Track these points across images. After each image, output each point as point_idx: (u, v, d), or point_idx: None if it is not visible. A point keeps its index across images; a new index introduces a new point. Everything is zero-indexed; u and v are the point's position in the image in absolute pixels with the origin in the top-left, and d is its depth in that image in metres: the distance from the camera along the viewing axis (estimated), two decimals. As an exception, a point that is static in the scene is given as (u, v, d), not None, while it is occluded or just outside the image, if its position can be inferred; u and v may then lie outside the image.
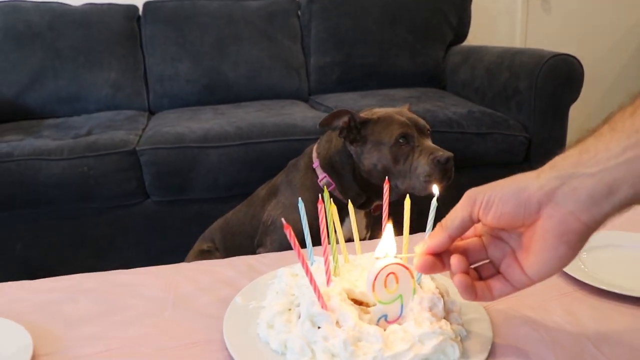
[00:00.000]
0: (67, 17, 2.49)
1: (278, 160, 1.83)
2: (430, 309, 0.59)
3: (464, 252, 0.58)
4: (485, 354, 0.59)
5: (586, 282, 0.73)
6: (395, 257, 0.58)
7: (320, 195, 0.64)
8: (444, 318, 0.60)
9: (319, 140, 1.56)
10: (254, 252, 1.53)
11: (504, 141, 2.10)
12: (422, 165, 1.35)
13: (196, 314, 0.69)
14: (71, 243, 1.97)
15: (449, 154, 1.34)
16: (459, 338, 0.60)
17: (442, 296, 0.62)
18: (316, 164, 1.49)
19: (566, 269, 0.75)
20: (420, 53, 2.77)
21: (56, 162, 1.84)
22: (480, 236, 0.59)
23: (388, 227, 0.60)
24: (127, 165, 1.90)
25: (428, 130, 1.44)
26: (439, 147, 1.38)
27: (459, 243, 0.59)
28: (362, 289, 0.62)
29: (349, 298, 0.61)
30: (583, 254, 0.82)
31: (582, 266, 0.79)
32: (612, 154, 0.48)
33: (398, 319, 0.60)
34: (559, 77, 2.10)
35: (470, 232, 0.59)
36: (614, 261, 0.82)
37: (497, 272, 0.57)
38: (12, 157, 1.82)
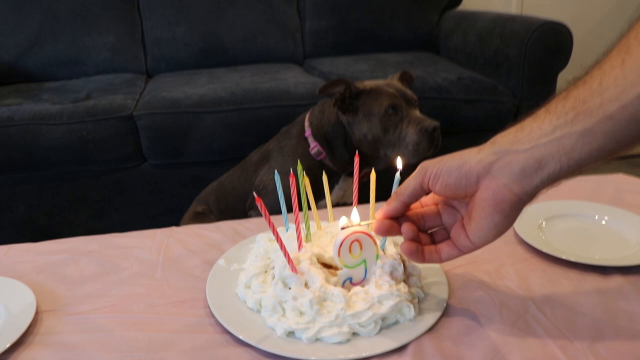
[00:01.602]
0: (64, -21, 2.49)
1: (271, 125, 1.88)
2: (391, 273, 0.66)
3: (422, 218, 0.64)
4: (439, 314, 0.65)
5: (541, 249, 0.79)
6: (360, 224, 0.64)
7: (291, 169, 0.70)
8: (404, 281, 0.67)
9: (311, 110, 1.61)
10: (246, 214, 1.60)
11: (492, 108, 2.13)
12: (410, 134, 1.41)
13: (184, 275, 0.76)
14: (71, 204, 2.03)
15: (436, 123, 1.40)
16: (416, 299, 0.67)
17: (403, 262, 0.69)
18: (308, 132, 1.55)
19: (523, 237, 0.82)
20: (414, 17, 2.78)
21: (56, 126, 1.88)
22: (436, 204, 0.65)
23: (354, 210, 0.66)
24: (125, 130, 1.94)
25: (415, 100, 1.50)
26: (426, 117, 1.44)
27: (418, 210, 0.65)
28: (331, 254, 0.68)
29: (319, 262, 0.68)
30: (543, 223, 0.89)
31: (540, 234, 0.85)
32: (543, 132, 0.53)
33: (362, 282, 0.66)
34: (548, 45, 2.11)
35: (429, 200, 0.66)
36: (570, 230, 0.88)
37: (448, 237, 0.63)
38: (13, 122, 1.86)
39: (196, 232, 0.89)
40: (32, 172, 1.95)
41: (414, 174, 0.61)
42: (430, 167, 0.59)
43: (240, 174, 1.66)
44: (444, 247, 0.63)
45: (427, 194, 0.62)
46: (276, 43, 2.67)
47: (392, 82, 1.55)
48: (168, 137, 1.95)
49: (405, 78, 1.61)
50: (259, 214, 1.03)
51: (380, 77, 2.18)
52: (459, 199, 0.62)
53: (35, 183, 1.98)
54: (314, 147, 1.53)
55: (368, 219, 0.66)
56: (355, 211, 0.65)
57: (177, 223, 1.57)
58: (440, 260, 0.63)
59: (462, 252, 0.62)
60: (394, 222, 0.63)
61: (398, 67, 2.34)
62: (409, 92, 1.50)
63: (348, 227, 0.63)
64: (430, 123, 1.40)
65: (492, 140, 0.57)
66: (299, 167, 0.71)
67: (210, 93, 2.02)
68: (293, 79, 2.18)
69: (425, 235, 0.65)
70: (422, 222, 0.65)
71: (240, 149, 1.87)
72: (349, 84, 1.45)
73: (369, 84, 1.51)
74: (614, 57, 0.50)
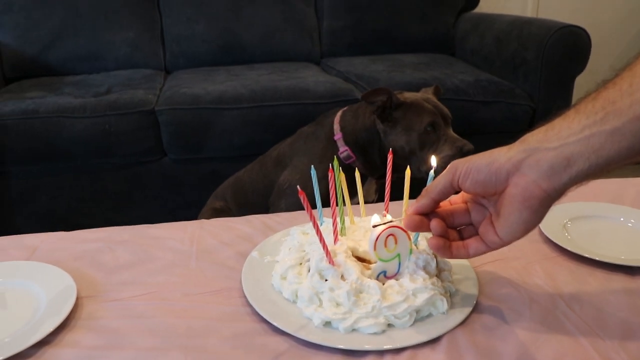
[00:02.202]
0: (86, -24, 2.52)
1: (290, 122, 1.90)
2: (424, 268, 0.67)
3: (451, 215, 0.66)
4: (470, 308, 0.67)
5: (567, 248, 0.80)
6: (391, 221, 0.65)
7: (331, 165, 0.71)
8: (436, 276, 0.68)
9: (341, 114, 1.63)
10: (264, 208, 1.62)
11: (509, 110, 2.15)
12: (445, 151, 1.46)
13: (218, 266, 0.78)
14: (91, 196, 2.06)
15: (470, 146, 1.45)
16: (448, 294, 0.68)
17: (435, 257, 0.71)
18: (338, 136, 1.57)
19: (550, 236, 0.83)
20: (430, 19, 2.79)
21: (79, 119, 1.91)
22: (466, 202, 0.66)
23: (374, 216, 0.69)
24: (146, 124, 1.97)
25: (450, 118, 1.54)
26: (460, 137, 1.49)
27: (447, 207, 0.66)
28: (365, 248, 0.70)
29: (353, 255, 0.69)
30: (568, 223, 0.90)
31: (566, 234, 0.87)
32: (573, 131, 0.53)
33: (396, 275, 0.68)
34: (566, 49, 2.12)
35: (458, 199, 0.67)
36: (595, 230, 0.89)
37: (477, 233, 0.64)
38: (38, 114, 1.89)
39: (227, 224, 0.91)
40: (54, 163, 1.98)
41: (444, 172, 0.62)
42: (460, 166, 0.60)
43: (259, 169, 1.68)
44: (472, 243, 0.64)
45: (456, 192, 0.64)
46: (293, 42, 2.69)
47: (429, 96, 1.58)
48: (188, 132, 1.98)
49: (437, 92, 1.64)
50: (281, 212, 1.05)
51: (397, 77, 2.20)
52: (488, 197, 0.62)
53: (57, 175, 2.01)
54: (343, 151, 1.55)
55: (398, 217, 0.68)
56: (376, 216, 0.68)
57: (195, 217, 1.59)
58: (468, 256, 0.64)
59: (490, 247, 0.63)
60: (424, 218, 0.64)
61: (414, 69, 2.36)
62: (445, 109, 1.54)
63: (379, 224, 0.65)
64: (465, 144, 1.44)
65: (522, 139, 0.58)
66: (336, 164, 0.73)
67: (230, 90, 2.05)
68: (312, 78, 2.20)
69: (454, 231, 0.66)
70: (451, 219, 0.66)
71: (259, 145, 1.89)
72: (392, 94, 1.48)
73: (409, 96, 1.54)
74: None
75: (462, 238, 0.66)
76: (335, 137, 1.57)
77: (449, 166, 0.62)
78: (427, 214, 0.65)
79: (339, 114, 1.63)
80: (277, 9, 2.66)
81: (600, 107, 0.52)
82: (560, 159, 0.54)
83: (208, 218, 1.62)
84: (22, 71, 2.44)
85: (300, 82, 2.13)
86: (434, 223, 0.63)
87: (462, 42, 2.72)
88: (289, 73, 2.31)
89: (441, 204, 0.66)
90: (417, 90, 1.68)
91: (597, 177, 0.55)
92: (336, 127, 1.59)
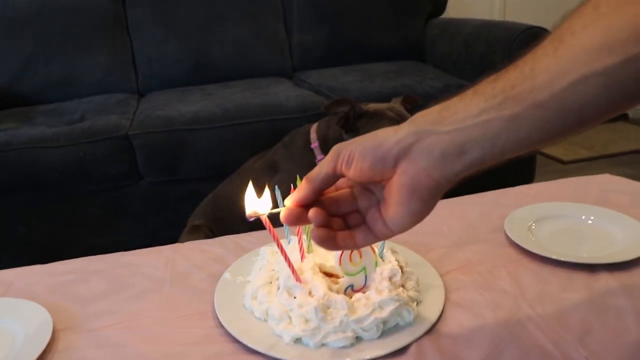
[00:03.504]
0: (55, 3, 2.53)
1: (264, 139, 1.92)
2: (390, 279, 0.69)
3: (336, 203, 0.58)
4: (436, 317, 0.68)
5: (531, 250, 0.83)
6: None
7: (292, 184, 0.73)
8: (402, 286, 0.71)
9: (318, 123, 1.67)
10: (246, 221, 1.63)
11: (479, 113, 2.18)
12: None
13: (191, 289, 0.79)
14: (71, 223, 2.06)
15: None
16: (414, 303, 0.70)
17: (401, 267, 0.73)
18: (315, 144, 1.60)
19: (514, 239, 0.86)
20: (400, 26, 2.83)
21: (54, 149, 1.91)
22: (352, 187, 0.59)
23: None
24: (121, 149, 1.97)
25: None
26: None
27: (331, 194, 0.59)
28: (332, 263, 0.71)
29: (321, 271, 0.71)
30: (532, 225, 0.93)
31: (530, 236, 0.89)
32: (469, 114, 0.48)
33: (363, 288, 0.70)
34: (532, 49, 2.16)
35: (344, 183, 0.60)
36: (559, 230, 0.91)
37: (364, 221, 0.58)
38: (11, 146, 1.89)
39: (200, 247, 0.92)
40: (31, 193, 1.98)
41: (326, 158, 0.55)
42: (343, 150, 0.54)
43: (240, 182, 1.69)
44: (360, 233, 0.57)
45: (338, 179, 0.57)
46: (265, 58, 2.72)
47: (395, 105, 1.60)
48: (164, 154, 1.99)
49: (409, 101, 1.66)
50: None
51: (369, 87, 2.23)
52: (375, 183, 0.56)
53: (35, 204, 2.01)
54: (320, 158, 1.58)
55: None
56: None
57: (176, 237, 1.60)
58: (356, 246, 0.58)
59: (378, 238, 0.57)
60: (304, 210, 0.56)
61: (385, 77, 2.39)
62: (409, 116, 1.56)
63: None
64: None
65: (412, 118, 0.52)
66: (298, 181, 0.74)
67: (203, 110, 2.06)
68: (284, 93, 2.23)
69: (339, 220, 0.58)
70: (336, 207, 0.58)
71: (234, 163, 1.89)
72: (354, 104, 1.51)
73: (372, 106, 1.57)
74: (547, 45, 0.46)
75: (348, 227, 0.58)
76: (312, 146, 1.61)
77: (332, 150, 0.55)
78: (309, 205, 0.57)
79: (316, 124, 1.66)
80: (246, 26, 2.68)
81: (500, 90, 0.47)
82: (454, 145, 0.49)
83: (188, 238, 1.63)
84: (-6, 102, 2.43)
85: (272, 98, 2.16)
86: (312, 213, 0.55)
87: (432, 48, 2.77)
88: (262, 89, 2.33)
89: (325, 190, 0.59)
90: (388, 99, 1.71)
91: (490, 165, 0.50)
92: (313, 136, 1.63)
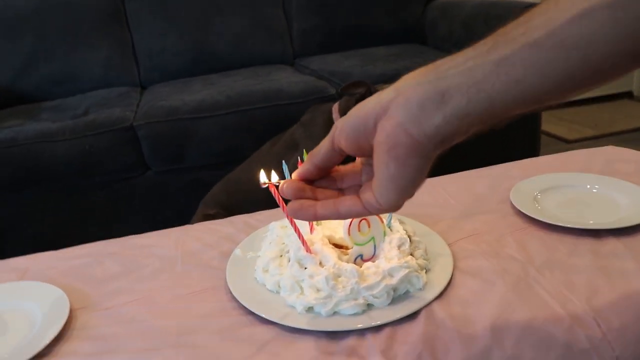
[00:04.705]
0: (53, 0, 2.53)
1: (268, 124, 1.94)
2: (399, 248, 0.71)
3: (341, 178, 0.55)
4: (445, 283, 0.70)
5: (537, 218, 0.84)
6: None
7: (299, 157, 0.74)
8: (411, 254, 0.72)
9: (339, 102, 1.68)
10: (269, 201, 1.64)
11: (481, 94, 2.18)
12: None
13: (202, 267, 0.81)
14: (78, 217, 2.07)
15: None
16: (424, 271, 0.71)
17: (409, 236, 0.74)
18: None
19: (520, 208, 0.87)
20: (399, 10, 2.83)
21: (59, 143, 1.92)
22: (362, 164, 0.56)
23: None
24: (126, 141, 1.99)
25: None
26: None
27: (341, 170, 0.56)
28: (341, 235, 0.73)
29: (330, 243, 0.72)
30: (538, 195, 0.93)
31: (536, 205, 0.90)
32: (454, 64, 0.44)
33: (372, 258, 0.71)
34: (531, 28, 2.16)
35: (359, 162, 0.56)
36: (564, 200, 0.92)
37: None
38: (17, 142, 1.91)
39: (209, 227, 0.94)
40: (37, 188, 2.00)
41: (329, 134, 0.52)
42: (339, 124, 0.50)
43: (257, 168, 1.69)
44: (346, 200, 0.52)
45: (343, 156, 0.53)
46: (265, 46, 2.72)
47: None
48: (169, 144, 2.00)
49: None
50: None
51: (370, 71, 2.24)
52: (365, 153, 0.50)
53: (42, 199, 2.02)
54: None
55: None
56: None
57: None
58: (338, 214, 0.52)
59: (365, 209, 0.51)
60: (304, 185, 0.54)
61: (386, 60, 2.39)
62: None
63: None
64: None
65: (400, 79, 0.48)
66: (304, 156, 0.75)
67: (207, 98, 2.07)
68: (286, 79, 2.23)
69: (335, 192, 0.55)
70: (341, 182, 0.55)
71: (239, 150, 1.91)
72: (370, 86, 1.53)
73: (387, 87, 1.58)
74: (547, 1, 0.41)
75: None
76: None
77: (333, 126, 0.52)
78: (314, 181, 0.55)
79: (337, 103, 1.68)
80: (246, 15, 2.68)
81: (490, 39, 0.43)
82: (433, 94, 0.43)
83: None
84: (-3, 101, 2.45)
85: (274, 84, 2.17)
86: (285, 185, 0.53)
87: (432, 30, 2.76)
88: (263, 76, 2.34)
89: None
90: (392, 82, 1.72)
91: (481, 126, 0.44)
92: (335, 115, 1.64)
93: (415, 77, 0.45)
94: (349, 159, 0.54)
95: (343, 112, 1.64)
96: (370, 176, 0.50)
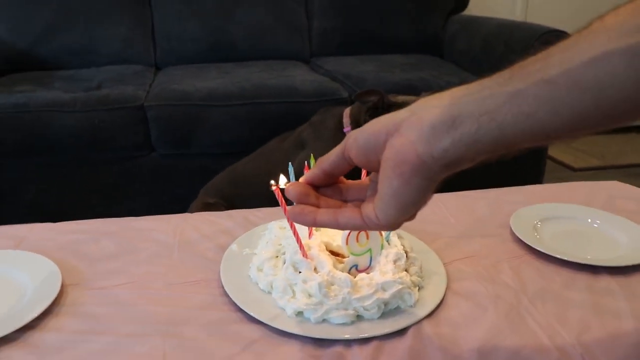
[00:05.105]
0: (79, -30, 2.53)
1: (277, 120, 1.94)
2: (395, 262, 0.71)
3: (347, 189, 0.56)
4: (437, 302, 0.70)
5: (535, 247, 0.84)
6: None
7: (306, 162, 0.74)
8: (406, 270, 0.72)
9: (351, 108, 1.69)
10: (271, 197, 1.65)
11: (494, 113, 2.18)
12: None
13: (198, 257, 0.81)
14: (80, 190, 2.08)
15: None
16: (417, 287, 0.71)
17: (406, 252, 0.74)
18: (348, 129, 1.62)
19: (519, 235, 0.87)
20: (420, 20, 2.83)
21: (69, 114, 1.93)
22: (370, 179, 0.56)
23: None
24: (135, 120, 1.99)
25: None
26: None
27: (350, 182, 0.57)
28: (338, 243, 0.73)
29: (327, 250, 0.72)
30: (538, 224, 0.93)
31: (535, 234, 0.90)
32: (469, 92, 0.45)
33: (367, 269, 0.71)
34: (552, 53, 2.16)
35: (367, 177, 0.57)
36: (564, 231, 0.92)
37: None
38: (28, 108, 1.91)
39: (209, 218, 0.94)
40: (43, 157, 2.00)
41: (341, 143, 0.54)
42: (352, 134, 0.51)
43: (268, 159, 1.70)
44: (346, 211, 0.53)
45: (352, 166, 0.54)
46: (284, 41, 2.72)
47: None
48: (177, 128, 2.00)
49: None
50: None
51: (385, 78, 2.24)
52: (374, 167, 0.51)
53: (46, 167, 2.03)
54: None
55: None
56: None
57: (183, 212, 1.61)
58: (336, 223, 0.53)
59: (364, 222, 0.52)
60: (310, 189, 0.55)
61: (402, 69, 2.39)
62: None
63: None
64: None
65: (417, 101, 0.49)
66: (312, 161, 0.75)
67: (219, 87, 2.07)
68: (300, 77, 2.23)
69: (327, 200, 0.56)
70: (347, 193, 0.56)
71: (247, 142, 1.92)
72: (384, 95, 1.53)
73: (401, 98, 1.59)
74: (573, 33, 0.42)
75: None
76: (345, 130, 1.63)
77: (347, 135, 0.53)
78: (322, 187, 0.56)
79: (349, 108, 1.68)
80: (267, 8, 2.69)
81: (508, 71, 0.43)
82: (445, 117, 0.44)
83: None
84: (13, 64, 2.45)
85: (288, 81, 2.16)
86: (290, 187, 0.54)
87: (451, 44, 2.76)
88: (278, 71, 2.34)
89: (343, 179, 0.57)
90: (404, 92, 1.72)
91: (489, 155, 0.46)
92: (346, 120, 1.64)
93: (432, 100, 0.47)
94: (355, 175, 0.55)
95: (354, 118, 1.64)
96: (375, 192, 0.51)
